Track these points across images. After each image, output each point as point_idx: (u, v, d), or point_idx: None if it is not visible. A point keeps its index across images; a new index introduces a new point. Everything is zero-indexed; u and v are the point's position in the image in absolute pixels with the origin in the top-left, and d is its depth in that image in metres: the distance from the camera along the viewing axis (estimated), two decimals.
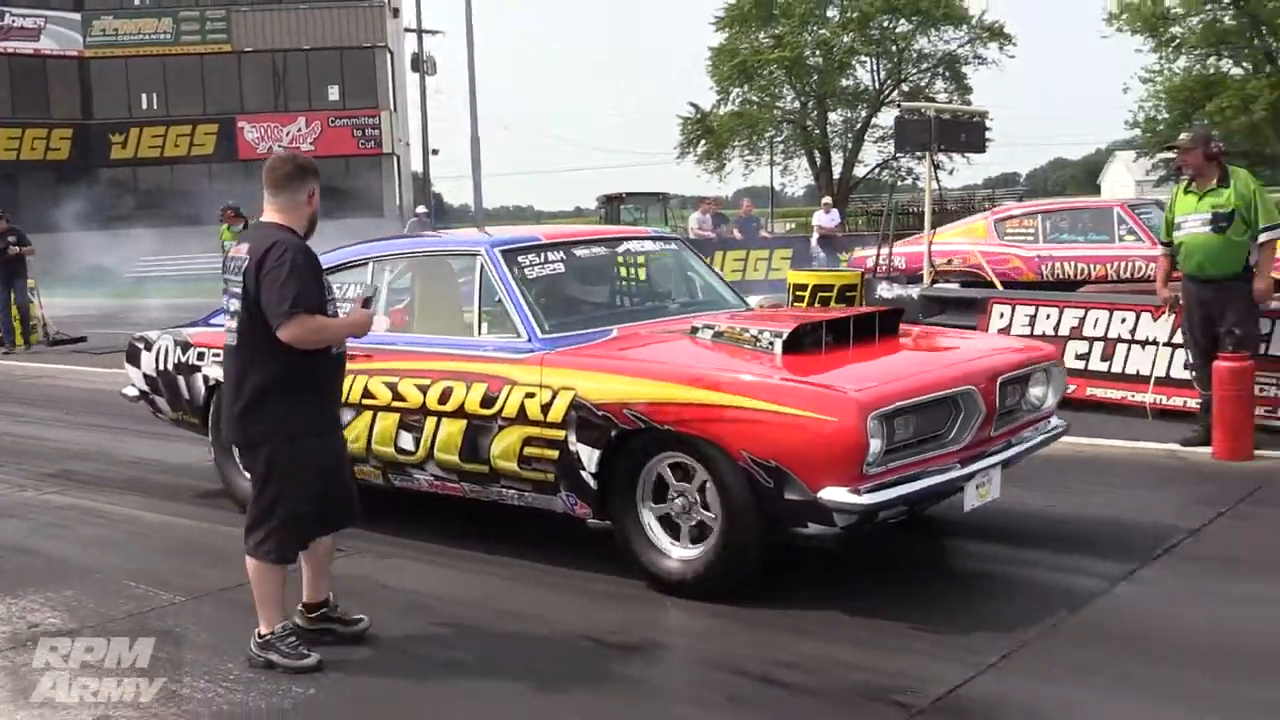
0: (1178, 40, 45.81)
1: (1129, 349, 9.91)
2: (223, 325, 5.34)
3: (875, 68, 53.73)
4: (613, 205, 40.01)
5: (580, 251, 7.01)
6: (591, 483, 5.91)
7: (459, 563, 6.57)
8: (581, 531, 6.24)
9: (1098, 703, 4.61)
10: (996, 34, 52.14)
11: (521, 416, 6.07)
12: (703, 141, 54.47)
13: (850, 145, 54.31)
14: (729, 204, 43.94)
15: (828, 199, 30.63)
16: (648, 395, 5.69)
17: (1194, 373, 8.74)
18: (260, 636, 4.93)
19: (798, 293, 11.53)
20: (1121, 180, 57.97)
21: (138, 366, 8.28)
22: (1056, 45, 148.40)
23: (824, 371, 5.79)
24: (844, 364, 5.97)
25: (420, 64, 46.13)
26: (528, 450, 6.09)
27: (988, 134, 22.97)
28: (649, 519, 5.87)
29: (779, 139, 55.13)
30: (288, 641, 4.91)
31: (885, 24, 52.08)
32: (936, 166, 17.21)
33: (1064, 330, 10.31)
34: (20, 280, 18.86)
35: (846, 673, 4.94)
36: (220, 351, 6.92)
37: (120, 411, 10.02)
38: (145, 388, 8.24)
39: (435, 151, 59.62)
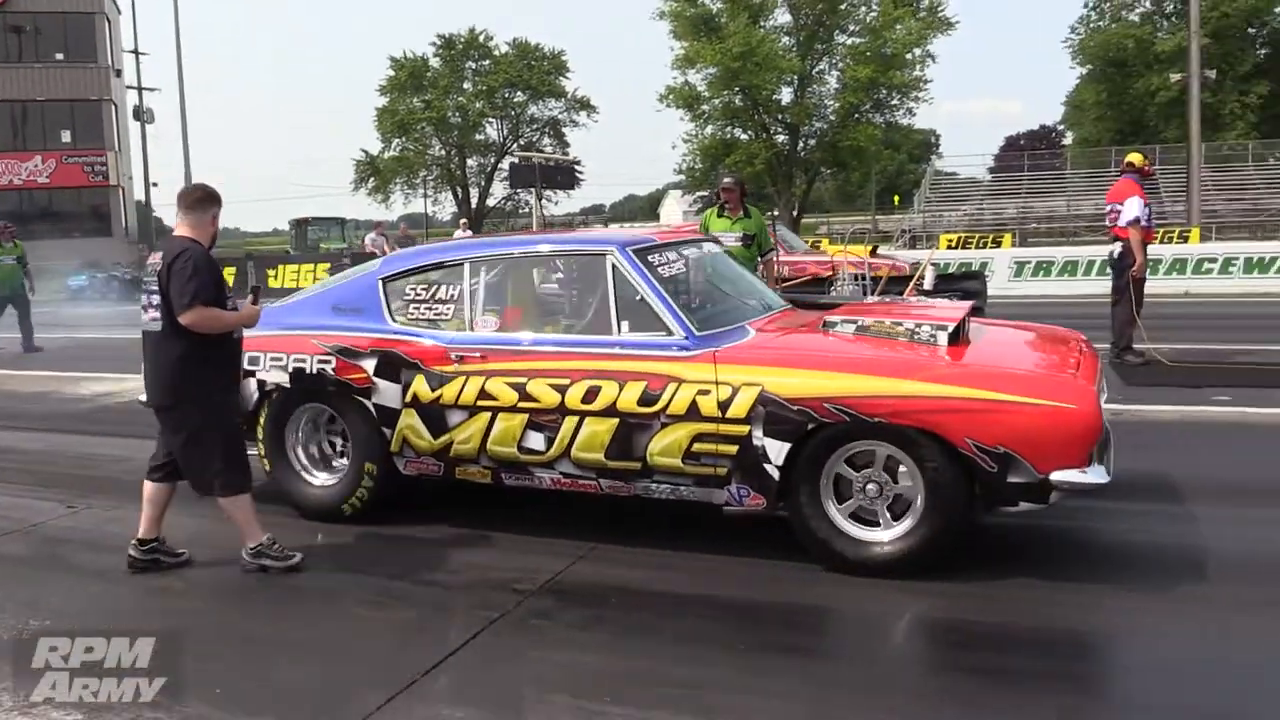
0: (706, 114, 46.74)
1: None
2: (262, 329, 4.95)
3: (500, 127, 52.46)
4: (301, 226, 37.29)
5: (686, 251, 5.28)
6: (775, 475, 4.31)
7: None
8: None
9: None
10: (585, 105, 52.19)
11: (692, 413, 4.37)
12: (372, 179, 51.34)
13: (483, 183, 52.71)
14: (393, 226, 41.57)
15: (464, 220, 29.78)
16: (854, 389, 4.17)
17: None
18: (250, 549, 4.61)
19: None
20: (673, 211, 60.12)
21: None
22: (631, 112, 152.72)
23: (1006, 361, 4.47)
24: (1005, 354, 4.66)
25: (140, 114, 40.68)
26: (697, 446, 4.40)
27: (580, 176, 23.42)
28: (832, 507, 4.34)
29: (430, 178, 52.78)
30: (274, 548, 4.63)
31: (507, 95, 50.95)
32: (541, 199, 18.23)
33: None
34: None
35: (481, 571, 4.59)
36: (279, 354, 4.92)
37: None
38: None
39: (155, 184, 53.66)
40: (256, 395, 5.31)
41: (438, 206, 55.20)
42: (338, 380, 5.07)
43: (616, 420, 4.50)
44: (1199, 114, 28.84)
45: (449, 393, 4.82)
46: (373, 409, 5.02)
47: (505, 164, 50.10)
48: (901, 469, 4.24)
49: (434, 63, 50.93)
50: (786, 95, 45.68)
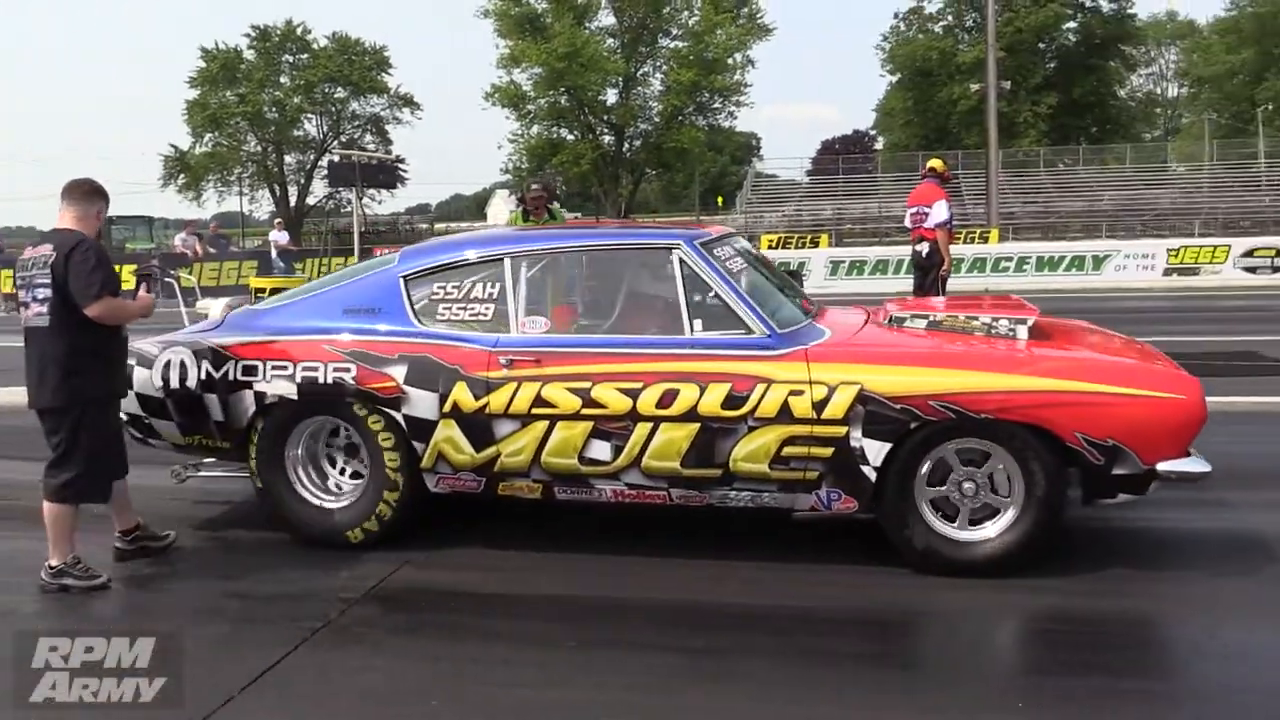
0: (532, 114, 46.24)
1: None
2: (253, 335, 4.70)
3: (320, 123, 49.96)
4: (104, 224, 33.76)
5: (738, 244, 4.94)
6: (873, 477, 4.07)
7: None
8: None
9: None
10: (408, 102, 50.51)
11: (784, 415, 4.08)
12: (182, 175, 47.83)
13: (303, 181, 50.10)
14: (204, 225, 39.19)
15: (279, 220, 28.37)
16: (961, 385, 3.99)
17: None
18: (52, 567, 4.33)
19: (258, 294, 9.61)
20: (500, 210, 58.81)
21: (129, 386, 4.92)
22: (456, 111, 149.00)
23: (1092, 352, 4.39)
24: (1080, 347, 4.57)
25: None
26: (787, 450, 4.10)
27: (404, 174, 22.97)
28: (927, 508, 4.14)
29: (246, 175, 49.59)
30: (78, 567, 4.35)
31: (326, 90, 48.71)
32: (362, 198, 17.99)
33: None
34: None
35: (305, 580, 4.36)
36: (284, 363, 4.35)
37: None
38: (140, 410, 4.88)
39: None
40: (253, 409, 4.64)
41: (254, 205, 52.26)
42: (359, 390, 4.48)
43: (697, 425, 4.15)
44: (996, 122, 30.50)
45: (497, 401, 4.33)
46: (401, 421, 4.46)
47: (325, 162, 48.08)
48: (999, 466, 4.09)
49: (248, 55, 48.03)
50: (612, 96, 45.90)
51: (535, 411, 4.29)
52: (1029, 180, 42.06)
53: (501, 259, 4.57)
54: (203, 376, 4.70)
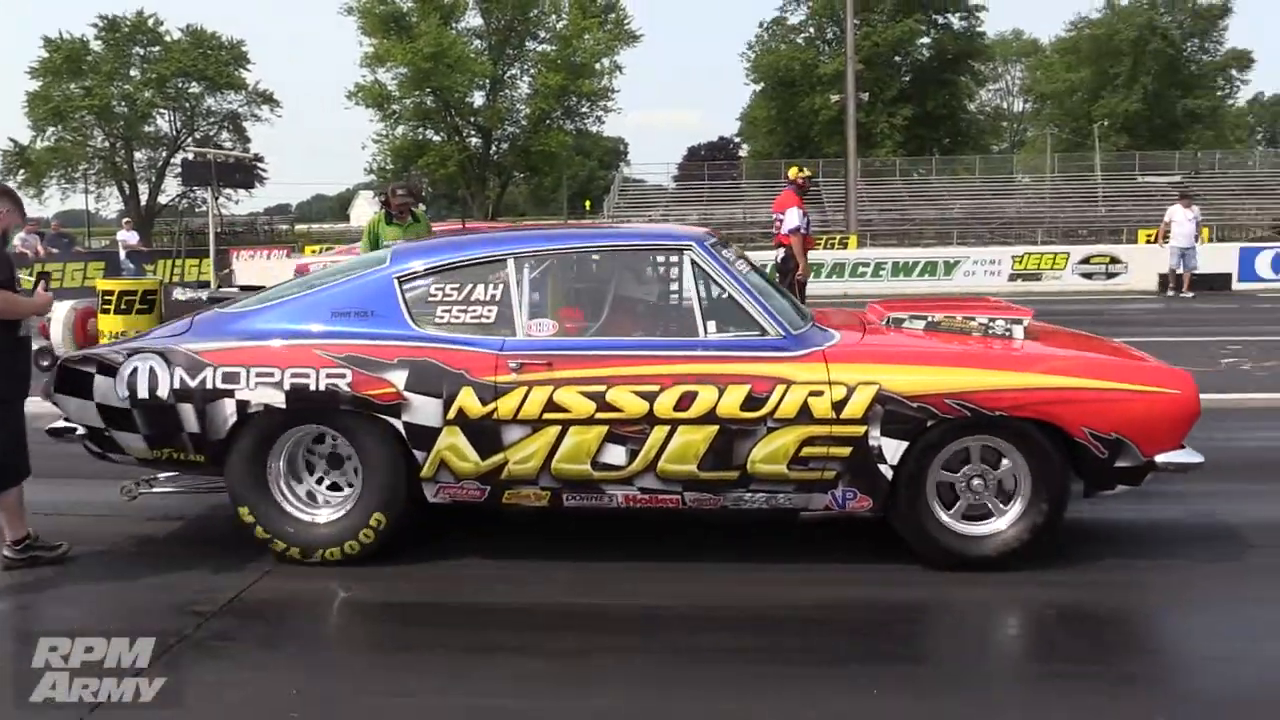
0: (397, 114, 45.33)
1: None
2: (232, 340, 4.40)
3: (173, 119, 47.68)
4: None
5: (732, 248, 4.89)
6: (889, 475, 4.11)
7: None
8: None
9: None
10: (267, 99, 48.73)
11: (803, 416, 4.07)
12: (22, 171, 44.77)
13: (154, 179, 47.62)
14: (45, 224, 36.81)
15: (128, 220, 27.35)
16: (976, 384, 4.07)
17: None
18: (14, 545, 4.40)
19: (105, 298, 9.10)
20: (364, 212, 57.08)
21: (86, 396, 4.47)
22: (318, 109, 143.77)
23: (1088, 351, 4.55)
24: (1071, 347, 4.71)
25: None
26: (806, 450, 4.10)
27: (262, 174, 22.22)
28: (936, 504, 4.21)
29: (92, 171, 46.89)
30: (39, 542, 4.44)
31: (180, 85, 46.45)
32: (218, 197, 17.55)
33: None
34: None
35: (158, 593, 4.20)
36: (270, 368, 4.14)
37: None
38: (98, 422, 4.49)
39: None
40: (234, 419, 4.34)
41: (101, 203, 49.50)
42: (355, 397, 4.24)
43: (715, 428, 4.09)
44: (855, 132, 31.63)
45: (506, 406, 4.17)
46: (401, 429, 4.25)
47: (179, 159, 45.90)
48: (1006, 462, 4.18)
49: (95, 46, 45.37)
50: (479, 98, 45.49)
51: (547, 416, 4.15)
52: (886, 188, 43.69)
53: (504, 260, 4.40)
54: (176, 385, 4.36)
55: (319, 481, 4.54)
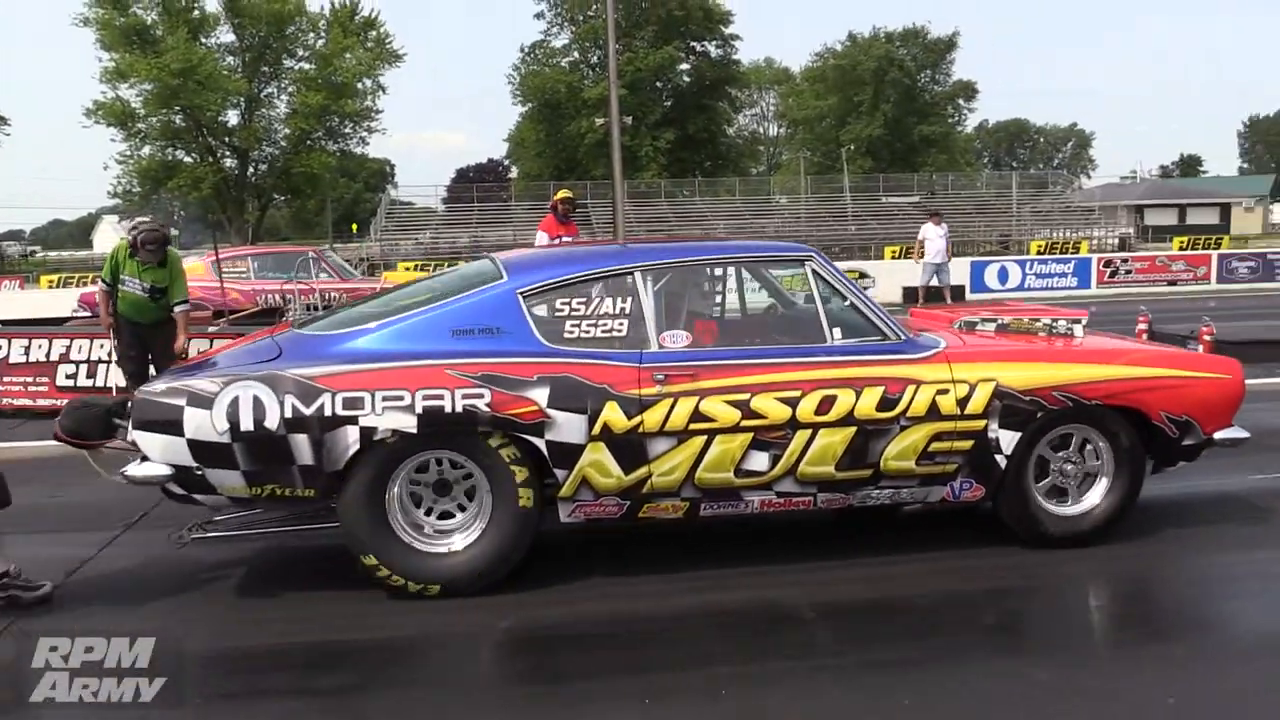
0: (143, 132, 42.13)
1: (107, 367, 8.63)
2: (342, 363, 4.12)
3: None
4: None
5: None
6: (1003, 465, 4.44)
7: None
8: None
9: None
10: None
11: (932, 413, 4.32)
12: None
13: None
14: None
15: None
16: (1077, 377, 4.49)
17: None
18: None
19: None
20: (108, 237, 51.99)
21: (176, 433, 3.98)
22: (55, 128, 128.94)
23: (1132, 344, 5.07)
24: (1126, 340, 5.24)
25: None
26: (934, 446, 4.36)
27: None
28: (1033, 489, 4.58)
29: None
30: (19, 579, 4.23)
31: None
32: None
33: (54, 356, 8.85)
34: None
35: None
36: (399, 391, 4.04)
37: None
38: (191, 461, 4.01)
39: None
40: (355, 448, 4.04)
41: None
42: (495, 417, 4.07)
43: (853, 429, 4.26)
44: (620, 155, 32.42)
45: (652, 419, 4.14)
46: (543, 448, 4.12)
47: None
48: (1087, 446, 4.61)
49: None
50: (233, 118, 42.96)
51: (693, 427, 4.16)
52: (652, 210, 44.99)
53: (630, 273, 4.36)
54: (288, 414, 4.02)
55: (428, 513, 4.31)
